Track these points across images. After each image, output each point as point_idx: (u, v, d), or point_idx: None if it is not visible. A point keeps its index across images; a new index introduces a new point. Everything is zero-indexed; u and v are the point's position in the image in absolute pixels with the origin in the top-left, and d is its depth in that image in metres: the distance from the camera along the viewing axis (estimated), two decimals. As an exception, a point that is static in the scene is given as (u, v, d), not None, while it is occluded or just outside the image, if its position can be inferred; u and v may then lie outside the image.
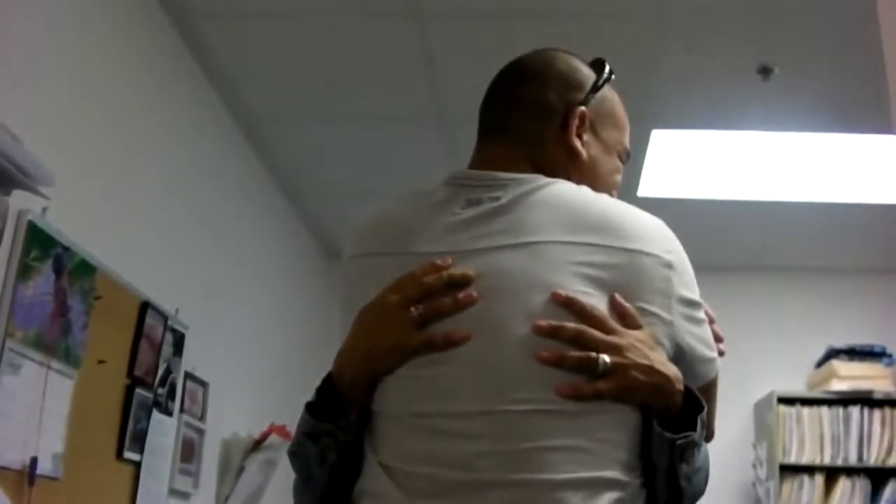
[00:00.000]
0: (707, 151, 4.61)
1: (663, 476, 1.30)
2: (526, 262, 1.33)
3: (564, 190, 1.42)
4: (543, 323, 1.28)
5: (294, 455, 1.42)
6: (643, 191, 4.89)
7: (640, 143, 4.46)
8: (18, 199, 2.51)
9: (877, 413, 5.45)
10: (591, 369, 1.28)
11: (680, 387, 1.34)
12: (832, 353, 5.65)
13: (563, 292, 1.30)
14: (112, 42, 3.19)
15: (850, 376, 5.53)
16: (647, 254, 1.35)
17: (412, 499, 1.27)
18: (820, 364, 5.78)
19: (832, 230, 5.42)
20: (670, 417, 1.32)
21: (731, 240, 5.66)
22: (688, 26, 3.61)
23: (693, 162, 4.74)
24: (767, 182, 4.88)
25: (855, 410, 5.46)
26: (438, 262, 1.35)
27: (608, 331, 1.30)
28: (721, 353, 1.50)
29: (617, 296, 1.32)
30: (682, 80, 3.97)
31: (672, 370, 1.34)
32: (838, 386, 5.52)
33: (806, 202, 5.05)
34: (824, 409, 5.50)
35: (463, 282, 1.33)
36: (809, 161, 4.64)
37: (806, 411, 5.51)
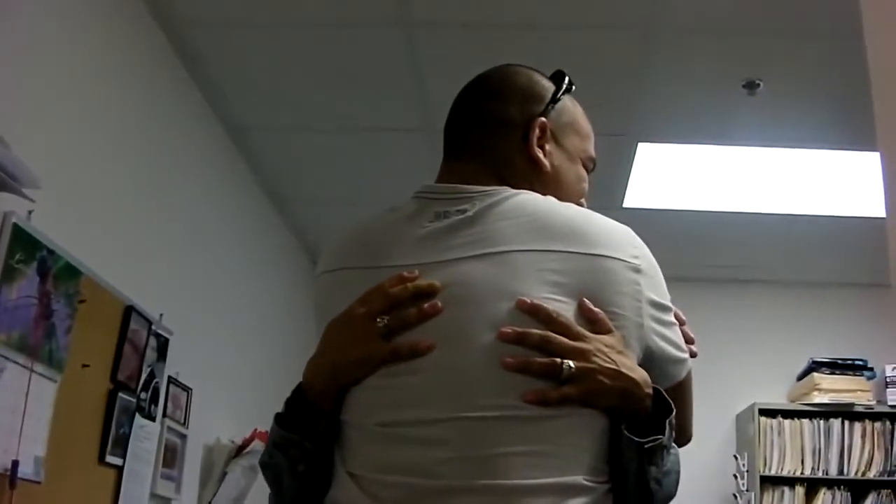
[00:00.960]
0: (692, 164, 4.64)
1: (633, 480, 1.31)
2: (492, 272, 1.34)
3: (530, 200, 1.43)
4: (509, 330, 1.30)
5: (265, 466, 1.44)
6: (629, 202, 4.91)
7: (627, 156, 4.49)
8: (4, 202, 2.50)
9: (857, 426, 5.49)
10: (555, 375, 1.29)
11: (648, 390, 1.35)
12: (814, 366, 5.68)
13: (528, 299, 1.31)
14: (100, 48, 3.19)
15: (831, 389, 5.56)
16: (615, 258, 1.37)
17: None
18: (802, 377, 5.81)
19: (816, 243, 5.46)
20: (639, 421, 1.33)
21: (715, 252, 5.69)
22: (674, 41, 3.63)
23: (678, 174, 4.76)
24: (751, 195, 4.91)
25: (836, 423, 5.50)
26: (405, 273, 1.37)
27: (574, 336, 1.31)
28: (693, 355, 1.51)
29: (586, 301, 1.33)
30: (668, 93, 3.99)
31: (640, 374, 1.34)
32: (820, 398, 5.55)
33: (789, 215, 5.08)
34: (805, 422, 5.54)
35: (429, 292, 1.35)
36: (794, 174, 4.67)
37: (787, 423, 5.55)
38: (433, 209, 1.44)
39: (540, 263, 1.34)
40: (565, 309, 1.32)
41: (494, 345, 1.29)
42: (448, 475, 1.25)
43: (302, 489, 1.39)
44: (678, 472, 1.38)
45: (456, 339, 1.32)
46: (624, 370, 1.32)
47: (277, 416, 1.43)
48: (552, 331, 1.30)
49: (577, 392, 1.29)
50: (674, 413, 1.35)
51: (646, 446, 1.30)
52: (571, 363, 1.29)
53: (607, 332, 1.33)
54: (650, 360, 1.40)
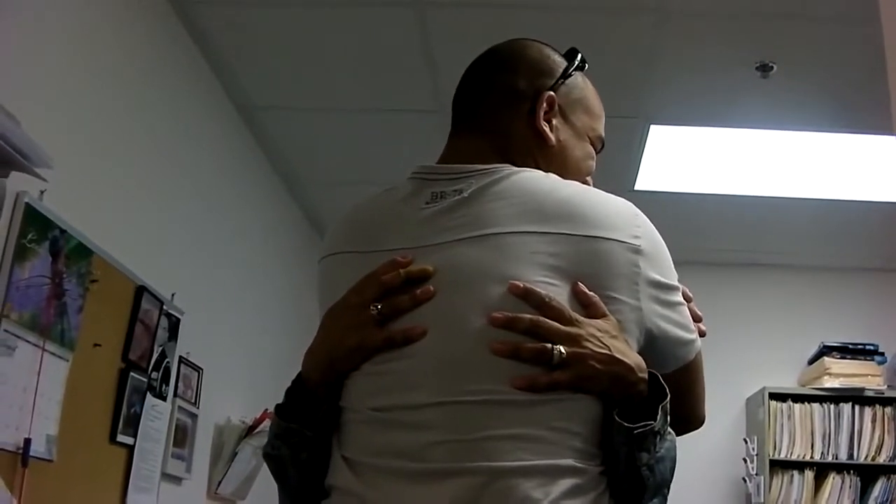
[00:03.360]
0: (704, 147, 4.62)
1: (624, 465, 1.30)
2: (485, 255, 1.33)
3: (528, 178, 1.41)
4: (499, 314, 1.28)
5: (268, 457, 1.45)
6: (640, 184, 4.90)
7: (639, 138, 4.47)
8: (16, 181, 2.50)
9: (867, 410, 5.48)
10: (546, 360, 1.27)
11: (643, 375, 1.33)
12: (824, 351, 5.67)
13: (520, 283, 1.30)
14: (111, 26, 3.19)
15: (841, 374, 5.55)
16: (612, 240, 1.34)
17: (373, 491, 1.28)
18: (812, 361, 5.80)
19: (827, 227, 5.44)
20: (633, 406, 1.31)
21: (727, 235, 5.67)
22: (687, 22, 3.61)
23: (691, 157, 4.75)
24: (764, 178, 4.89)
25: (846, 407, 5.49)
26: (398, 258, 1.36)
27: (566, 321, 1.29)
28: (702, 334, 1.49)
29: (580, 284, 1.32)
30: (680, 76, 3.97)
31: (634, 359, 1.33)
32: (830, 383, 5.54)
33: (801, 199, 5.07)
34: (815, 406, 5.53)
35: (421, 277, 1.34)
36: (807, 158, 4.65)
37: (797, 407, 5.54)
38: (430, 190, 1.43)
39: (533, 246, 1.33)
40: (559, 293, 1.31)
41: (485, 329, 1.28)
42: (437, 458, 1.25)
43: (306, 477, 1.39)
44: (674, 459, 1.35)
45: (448, 323, 1.31)
46: (617, 355, 1.30)
47: (278, 407, 1.43)
48: (544, 315, 1.29)
49: (567, 377, 1.28)
50: (668, 399, 1.33)
51: (635, 432, 1.28)
52: (562, 348, 1.28)
53: (601, 316, 1.32)
54: (653, 343, 1.38)
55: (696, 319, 1.48)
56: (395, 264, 1.36)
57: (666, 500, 1.36)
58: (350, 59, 3.95)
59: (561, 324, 1.29)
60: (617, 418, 1.29)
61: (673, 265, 1.43)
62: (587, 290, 1.32)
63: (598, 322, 1.31)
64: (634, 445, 1.29)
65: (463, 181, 1.42)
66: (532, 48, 1.58)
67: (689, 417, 1.49)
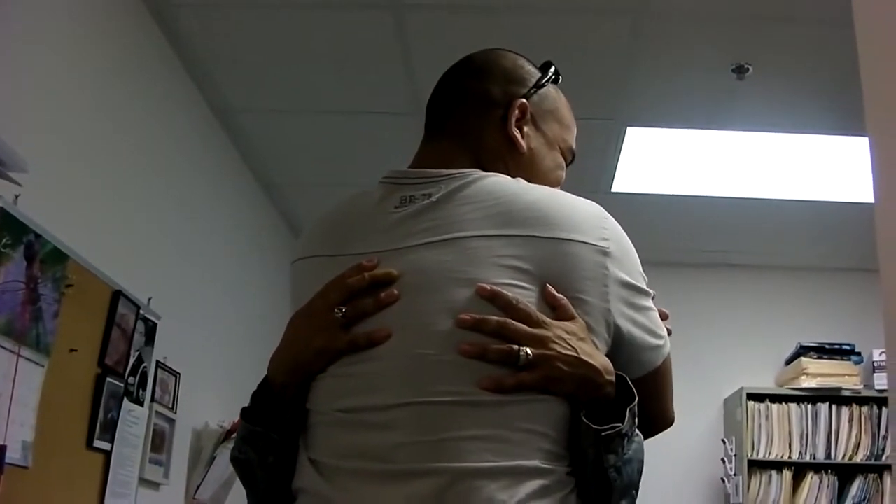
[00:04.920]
0: (681, 149, 4.64)
1: (591, 467, 1.30)
2: (450, 258, 1.34)
3: (496, 182, 1.42)
4: (467, 316, 1.29)
5: (235, 461, 1.45)
6: (617, 186, 4.91)
7: (615, 140, 4.48)
8: (-10, 186, 2.49)
9: (845, 410, 5.51)
10: (512, 362, 1.28)
11: (610, 377, 1.33)
12: (802, 351, 5.70)
13: (487, 286, 1.30)
14: (88, 30, 3.17)
15: (819, 374, 5.59)
16: (580, 242, 1.35)
17: (339, 492, 1.28)
18: (789, 361, 5.84)
19: (804, 228, 5.47)
20: (601, 408, 1.31)
21: (704, 236, 5.70)
22: (663, 24, 3.63)
23: (668, 159, 4.76)
24: (741, 179, 4.92)
25: (823, 407, 5.52)
26: (364, 262, 1.37)
27: (533, 323, 1.30)
28: (668, 332, 1.48)
29: (549, 287, 1.32)
30: (657, 77, 3.99)
31: (601, 361, 1.33)
32: (807, 383, 5.57)
33: (778, 200, 5.10)
34: (793, 406, 5.56)
35: (386, 280, 1.35)
36: (783, 159, 4.68)
37: (775, 408, 5.57)
38: (400, 194, 1.44)
39: (499, 249, 1.33)
40: (527, 295, 1.32)
41: (452, 331, 1.29)
42: (402, 459, 1.26)
43: (273, 480, 1.40)
44: (641, 461, 1.36)
45: (413, 326, 1.32)
46: (584, 357, 1.31)
47: (244, 411, 1.44)
48: (511, 317, 1.30)
49: (533, 379, 1.28)
50: (635, 402, 1.33)
51: (603, 434, 1.29)
52: (529, 350, 1.28)
53: (570, 318, 1.32)
54: (620, 346, 1.38)
55: (662, 318, 1.48)
56: (360, 268, 1.37)
57: (634, 501, 1.36)
58: (327, 61, 3.94)
59: (528, 325, 1.30)
60: (584, 420, 1.30)
61: (641, 268, 1.43)
62: (555, 293, 1.32)
63: (566, 324, 1.32)
64: (602, 447, 1.29)
65: (432, 185, 1.42)
66: (506, 57, 1.60)
67: (658, 419, 1.49)
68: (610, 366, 1.34)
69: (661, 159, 4.77)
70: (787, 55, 3.77)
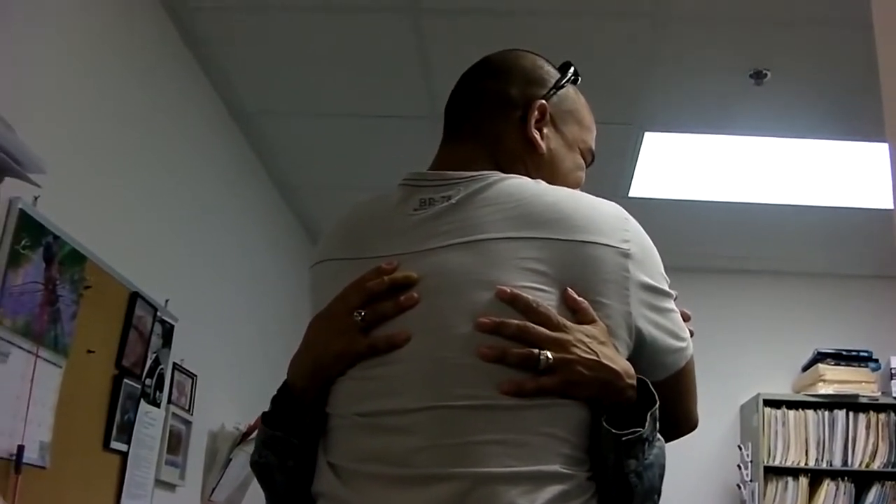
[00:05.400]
0: (699, 154, 4.63)
1: (612, 472, 1.29)
2: (471, 261, 1.33)
3: (516, 184, 1.40)
4: (486, 320, 1.28)
5: (255, 465, 1.45)
6: (635, 191, 4.91)
7: (633, 145, 4.48)
8: (9, 187, 2.50)
9: (862, 417, 5.49)
10: (532, 365, 1.27)
11: (631, 381, 1.32)
12: (819, 357, 5.67)
13: (507, 288, 1.29)
14: (106, 32, 3.18)
15: (836, 380, 5.56)
16: (600, 244, 1.33)
17: (358, 496, 1.28)
18: (806, 367, 5.81)
19: (822, 234, 5.44)
20: (622, 412, 1.30)
21: (721, 242, 5.68)
22: (682, 29, 3.62)
23: (685, 164, 4.75)
24: (758, 185, 4.90)
25: (840, 414, 5.50)
26: (384, 265, 1.36)
27: (554, 326, 1.29)
28: (690, 334, 1.47)
29: (569, 290, 1.31)
30: (675, 83, 3.98)
31: (622, 365, 1.32)
32: (824, 389, 5.55)
33: (796, 206, 5.07)
34: (810, 413, 5.53)
35: (406, 284, 1.34)
36: (801, 165, 4.66)
37: (791, 414, 5.54)
38: (419, 196, 1.43)
39: (520, 251, 1.32)
40: (547, 298, 1.30)
41: (472, 335, 1.28)
42: (422, 464, 1.25)
43: (293, 484, 1.39)
44: (663, 466, 1.35)
45: (433, 329, 1.31)
46: (605, 361, 1.29)
47: (264, 415, 1.43)
48: (531, 321, 1.29)
49: (554, 383, 1.27)
50: (657, 406, 1.32)
51: (623, 438, 1.27)
52: (549, 354, 1.27)
53: (590, 321, 1.31)
54: (641, 349, 1.37)
55: (685, 319, 1.47)
56: (380, 271, 1.36)
57: None
58: (345, 64, 3.95)
59: (548, 329, 1.29)
60: (605, 425, 1.29)
61: (663, 270, 1.42)
62: (576, 296, 1.31)
63: (587, 327, 1.31)
64: (622, 452, 1.28)
65: (452, 188, 1.41)
66: (525, 58, 1.59)
67: (681, 422, 1.48)
68: (631, 369, 1.33)
69: (679, 164, 4.76)
70: (806, 60, 3.76)
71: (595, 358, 1.29)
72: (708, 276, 5.89)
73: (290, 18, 3.66)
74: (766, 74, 3.83)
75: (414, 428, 1.27)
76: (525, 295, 1.29)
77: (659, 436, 1.34)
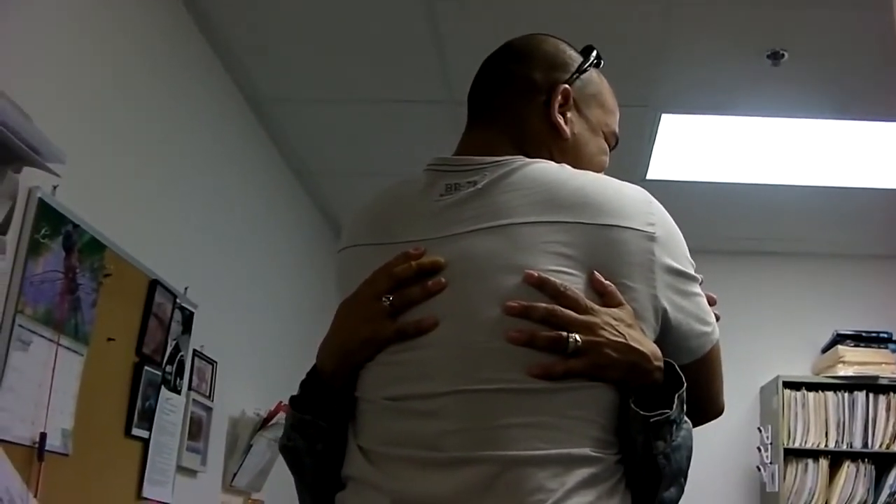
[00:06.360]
0: (716, 136, 4.61)
1: (640, 453, 1.30)
2: (498, 245, 1.33)
3: (541, 169, 1.41)
4: (515, 303, 1.29)
5: (284, 449, 1.46)
6: (652, 173, 4.89)
7: (650, 127, 4.46)
8: (29, 177, 2.51)
9: (882, 399, 5.46)
10: (561, 348, 1.28)
11: (658, 364, 1.33)
12: (838, 339, 5.66)
13: (535, 272, 1.30)
14: (122, 20, 3.19)
15: (855, 362, 5.54)
16: (626, 228, 1.34)
17: (388, 479, 1.29)
18: (826, 349, 5.79)
19: (840, 215, 5.42)
20: (649, 394, 1.31)
21: (739, 224, 5.66)
22: (697, 10, 3.60)
23: (702, 146, 4.74)
24: (776, 166, 4.88)
25: (860, 395, 5.48)
26: (411, 250, 1.37)
27: (582, 309, 1.29)
28: (716, 318, 1.47)
29: (596, 273, 1.32)
30: (691, 64, 3.96)
31: (649, 347, 1.32)
32: (844, 371, 5.53)
33: (814, 186, 5.05)
34: (829, 394, 5.51)
35: (433, 269, 1.34)
36: (819, 146, 4.63)
37: (811, 396, 5.53)
38: (444, 182, 1.43)
39: (547, 236, 1.33)
40: (574, 282, 1.31)
41: (500, 319, 1.29)
42: (451, 447, 1.26)
43: (322, 467, 1.40)
44: (690, 448, 1.35)
45: (461, 314, 1.31)
46: (632, 343, 1.30)
47: (293, 399, 1.44)
48: (559, 304, 1.29)
49: (582, 366, 1.28)
50: (684, 388, 1.33)
51: (651, 420, 1.28)
52: (578, 336, 1.28)
53: (617, 304, 1.32)
54: (667, 333, 1.38)
55: (711, 303, 1.47)
56: (407, 256, 1.36)
57: (683, 489, 1.35)
58: (361, 50, 3.95)
59: (576, 312, 1.29)
60: (633, 406, 1.29)
61: (689, 253, 1.42)
62: (603, 279, 1.32)
63: (614, 310, 1.31)
64: (651, 434, 1.29)
65: (477, 173, 1.42)
66: (548, 42, 1.59)
67: (707, 407, 1.49)
68: (658, 352, 1.34)
69: (696, 146, 4.75)
70: (823, 41, 3.73)
71: (623, 340, 1.30)
72: (726, 257, 5.87)
73: (306, 4, 3.66)
74: (783, 55, 3.81)
75: (442, 412, 1.28)
76: (553, 279, 1.30)
77: (686, 418, 1.35)
